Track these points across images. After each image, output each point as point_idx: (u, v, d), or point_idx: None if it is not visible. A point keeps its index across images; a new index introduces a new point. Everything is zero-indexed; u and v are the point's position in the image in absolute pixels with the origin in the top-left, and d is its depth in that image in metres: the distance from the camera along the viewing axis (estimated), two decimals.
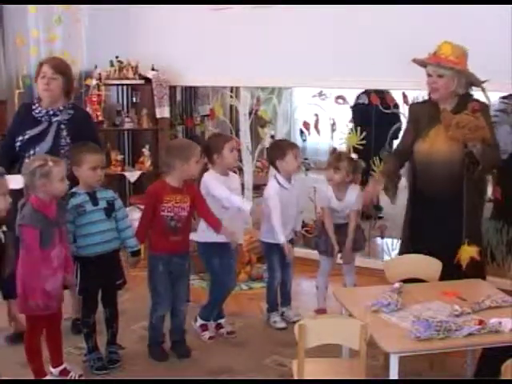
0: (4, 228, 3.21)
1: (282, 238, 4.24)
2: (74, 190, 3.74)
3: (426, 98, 4.09)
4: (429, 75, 3.90)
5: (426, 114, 3.96)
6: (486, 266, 4.11)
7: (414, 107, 4.19)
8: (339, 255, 4.51)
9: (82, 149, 3.80)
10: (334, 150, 4.69)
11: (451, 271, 3.64)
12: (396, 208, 4.35)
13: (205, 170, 4.18)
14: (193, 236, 4.17)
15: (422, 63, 3.95)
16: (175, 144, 4.05)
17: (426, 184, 3.93)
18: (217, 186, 4.07)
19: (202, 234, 4.18)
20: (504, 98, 5.20)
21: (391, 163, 4.14)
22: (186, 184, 3.93)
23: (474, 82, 3.90)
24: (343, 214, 4.46)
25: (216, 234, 4.04)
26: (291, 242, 4.51)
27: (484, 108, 3.84)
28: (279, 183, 4.34)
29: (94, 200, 3.75)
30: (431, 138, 3.89)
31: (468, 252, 3.75)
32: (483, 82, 3.90)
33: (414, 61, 3.97)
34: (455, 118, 3.71)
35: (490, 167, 4.03)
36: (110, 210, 3.79)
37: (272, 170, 4.62)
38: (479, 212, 4.05)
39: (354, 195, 4.41)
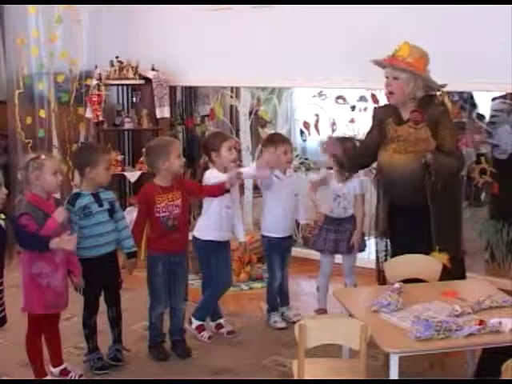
0: (2, 216, 3.22)
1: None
2: (78, 190, 3.74)
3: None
4: (386, 77, 3.82)
5: (387, 119, 3.90)
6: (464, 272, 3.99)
7: (377, 111, 4.10)
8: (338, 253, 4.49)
9: (95, 149, 3.80)
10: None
11: None
12: None
13: (206, 168, 4.18)
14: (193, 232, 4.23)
15: (379, 64, 3.87)
16: (153, 144, 4.00)
17: (391, 192, 3.89)
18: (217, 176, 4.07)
19: (201, 230, 4.21)
20: (504, 97, 5.19)
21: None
22: (176, 180, 3.94)
23: (431, 85, 3.82)
24: (346, 202, 4.39)
25: (216, 232, 4.13)
26: (291, 239, 4.56)
27: (443, 114, 3.77)
28: (274, 174, 4.32)
29: (99, 201, 3.73)
30: (391, 147, 3.84)
31: (438, 259, 3.68)
32: (442, 85, 3.83)
33: (374, 62, 3.89)
34: (397, 130, 3.69)
35: (446, 175, 3.81)
36: (112, 210, 3.80)
37: None
38: (452, 219, 3.93)
39: (356, 179, 4.40)
